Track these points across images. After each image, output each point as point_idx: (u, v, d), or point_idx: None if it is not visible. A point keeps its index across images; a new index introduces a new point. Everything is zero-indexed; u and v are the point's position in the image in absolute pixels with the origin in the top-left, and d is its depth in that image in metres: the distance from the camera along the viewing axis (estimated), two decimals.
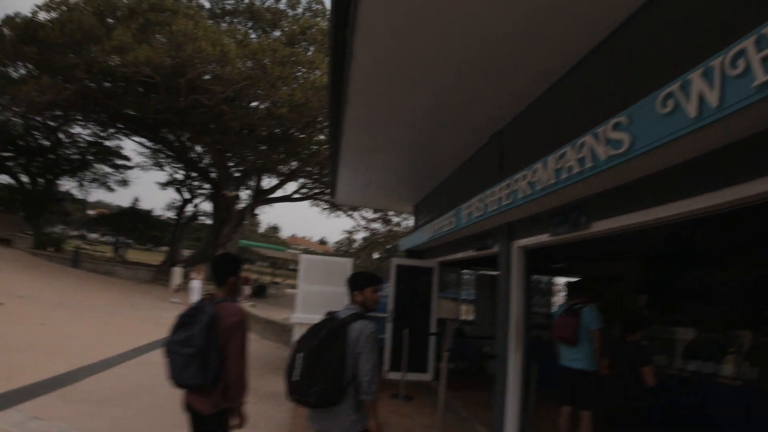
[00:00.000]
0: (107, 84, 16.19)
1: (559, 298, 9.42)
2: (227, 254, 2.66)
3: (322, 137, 19.80)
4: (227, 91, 14.63)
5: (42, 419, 4.09)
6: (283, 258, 33.34)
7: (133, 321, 11.08)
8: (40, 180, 30.34)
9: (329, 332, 2.15)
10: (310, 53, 17.03)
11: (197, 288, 14.38)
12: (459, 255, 6.18)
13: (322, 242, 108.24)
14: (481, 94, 3.95)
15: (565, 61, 3.32)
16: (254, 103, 17.22)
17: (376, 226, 32.38)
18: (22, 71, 18.90)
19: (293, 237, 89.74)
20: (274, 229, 77.95)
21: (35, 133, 27.71)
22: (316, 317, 2.42)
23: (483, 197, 4.08)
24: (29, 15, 15.27)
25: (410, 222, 21.72)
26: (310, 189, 32.38)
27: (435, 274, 7.52)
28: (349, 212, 34.77)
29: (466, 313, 11.52)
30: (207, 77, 14.94)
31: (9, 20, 15.76)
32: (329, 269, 7.27)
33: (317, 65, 16.01)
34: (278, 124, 17.32)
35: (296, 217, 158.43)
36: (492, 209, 3.86)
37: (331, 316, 2.33)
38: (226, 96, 14.97)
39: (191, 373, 2.14)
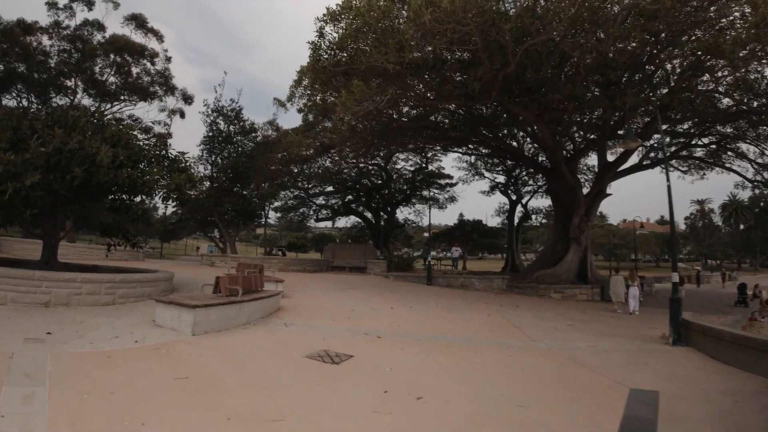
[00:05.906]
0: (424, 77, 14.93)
1: None
2: None
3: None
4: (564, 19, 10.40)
5: None
6: None
7: (542, 360, 7.70)
8: (382, 214, 34.99)
9: None
10: None
11: (637, 295, 13.50)
12: None
13: (663, 222, 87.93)
14: None
15: None
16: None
17: None
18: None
19: (623, 222, 76.13)
20: (601, 217, 67.70)
21: (369, 175, 32.19)
22: None
23: None
24: (316, 36, 14.04)
25: None
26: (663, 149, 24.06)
27: None
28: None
29: None
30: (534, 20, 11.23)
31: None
32: None
33: None
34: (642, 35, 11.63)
35: (624, 197, 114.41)
36: None
37: None
38: (565, 30, 10.77)
39: None
